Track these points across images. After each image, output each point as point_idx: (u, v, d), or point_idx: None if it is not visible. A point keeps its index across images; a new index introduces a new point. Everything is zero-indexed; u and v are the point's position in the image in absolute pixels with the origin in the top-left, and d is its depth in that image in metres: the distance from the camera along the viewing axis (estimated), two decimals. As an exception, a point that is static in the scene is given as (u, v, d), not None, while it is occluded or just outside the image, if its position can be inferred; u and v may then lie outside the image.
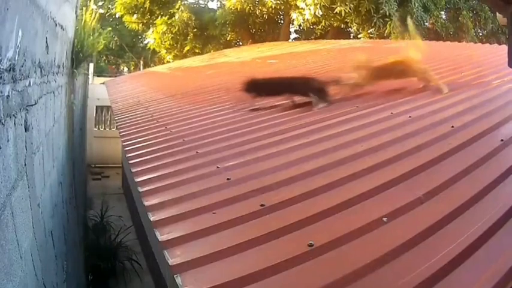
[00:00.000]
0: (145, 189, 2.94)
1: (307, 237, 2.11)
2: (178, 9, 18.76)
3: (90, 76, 15.10)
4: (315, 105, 4.84)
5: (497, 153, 3.10)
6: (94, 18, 7.82)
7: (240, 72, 8.75)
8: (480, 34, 18.80)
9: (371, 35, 15.62)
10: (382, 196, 2.56)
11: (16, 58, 1.76)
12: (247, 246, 2.11)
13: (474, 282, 1.77)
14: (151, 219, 2.49)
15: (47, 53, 2.91)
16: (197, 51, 19.02)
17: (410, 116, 4.08)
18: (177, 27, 18.56)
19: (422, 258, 1.90)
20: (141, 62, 26.88)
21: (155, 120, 5.22)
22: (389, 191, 2.61)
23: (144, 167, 3.41)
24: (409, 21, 6.00)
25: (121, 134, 4.91)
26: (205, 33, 19.21)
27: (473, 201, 2.40)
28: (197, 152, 3.62)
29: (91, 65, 14.93)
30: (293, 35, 21.27)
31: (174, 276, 1.95)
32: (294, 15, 15.99)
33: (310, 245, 2.04)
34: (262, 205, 2.49)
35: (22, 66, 1.91)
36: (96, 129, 15.20)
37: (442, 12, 18.05)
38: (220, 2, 22.05)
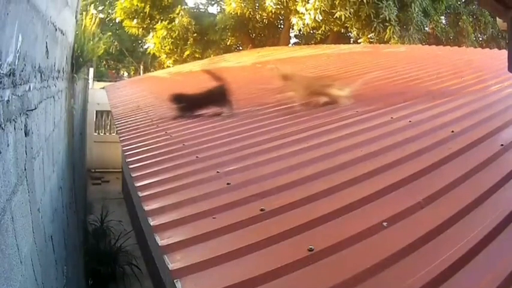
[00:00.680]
0: (145, 193, 2.94)
1: (307, 241, 2.11)
2: (178, 14, 18.81)
3: (90, 81, 15.13)
4: (224, 113, 5.21)
5: (497, 158, 3.10)
6: (94, 23, 7.84)
7: (240, 77, 8.76)
8: (480, 39, 18.86)
9: (371, 40, 15.65)
10: (382, 201, 2.56)
11: (16, 63, 1.76)
12: (247, 251, 2.11)
13: (474, 287, 1.77)
14: (151, 223, 2.49)
15: (47, 57, 2.92)
16: (197, 56, 19.07)
17: (410, 121, 4.08)
18: (177, 32, 18.60)
19: (423, 262, 1.89)
20: (141, 67, 26.96)
21: (155, 124, 5.22)
22: (389, 196, 2.61)
23: (144, 172, 3.41)
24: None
25: (121, 138, 4.91)
26: (205, 38, 19.26)
27: (474, 205, 2.39)
28: (197, 157, 3.61)
29: (91, 70, 14.95)
30: (293, 40, 21.37)
31: (174, 281, 1.94)
32: (294, 20, 16.03)
33: (310, 250, 2.03)
34: (262, 210, 2.49)
35: (22, 71, 1.92)
36: (96, 134, 15.19)
37: (442, 17, 18.12)
38: (220, 6, 22.18)
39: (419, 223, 2.26)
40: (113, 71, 29.04)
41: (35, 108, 2.38)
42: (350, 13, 14.70)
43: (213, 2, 23.53)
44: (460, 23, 17.38)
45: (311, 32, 18.51)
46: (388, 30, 14.88)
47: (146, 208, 2.70)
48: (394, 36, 14.91)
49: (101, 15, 21.90)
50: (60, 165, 4.09)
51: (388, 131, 3.86)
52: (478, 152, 3.22)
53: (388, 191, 2.65)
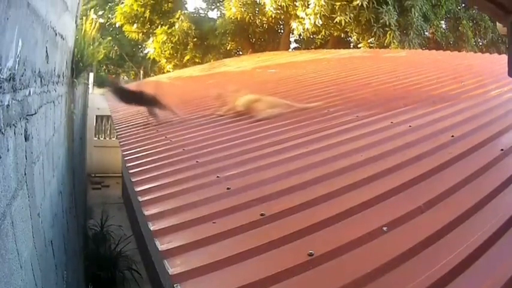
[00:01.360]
0: (145, 198, 2.94)
1: (307, 246, 2.11)
2: (178, 18, 18.87)
3: (90, 86, 15.13)
4: (156, 115, 5.65)
5: (497, 162, 3.10)
6: (94, 27, 7.84)
7: (240, 81, 8.77)
8: (480, 43, 18.89)
9: (371, 45, 15.68)
10: (382, 205, 2.56)
11: (16, 67, 1.76)
12: (247, 256, 2.11)
13: (475, 291, 1.77)
14: (151, 228, 2.49)
15: (47, 62, 2.92)
16: (197, 60, 19.13)
17: (410, 126, 4.08)
18: (177, 37, 18.66)
19: (423, 267, 1.89)
20: (141, 72, 26.97)
21: (155, 129, 5.22)
22: (389, 201, 2.61)
23: (144, 177, 3.41)
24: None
25: (121, 143, 4.91)
26: (205, 43, 19.33)
27: (474, 210, 2.39)
28: (197, 162, 3.61)
29: (91, 75, 14.95)
30: (293, 45, 21.41)
31: (174, 285, 1.94)
32: (294, 24, 16.08)
33: (310, 255, 2.03)
34: (262, 214, 2.49)
35: (22, 76, 1.92)
36: (96, 138, 15.18)
37: (442, 22, 18.16)
38: (220, 11, 22.22)
39: (419, 228, 2.26)
40: (113, 76, 29.04)
41: (35, 113, 2.39)
42: (350, 18, 14.74)
43: (213, 7, 23.61)
44: (460, 28, 17.42)
45: (311, 36, 18.56)
46: (388, 35, 14.91)
47: (146, 213, 2.70)
48: (394, 41, 14.94)
49: (101, 20, 21.92)
50: (60, 170, 4.09)
51: (388, 135, 3.87)
52: (478, 157, 3.22)
53: (388, 195, 2.65)
